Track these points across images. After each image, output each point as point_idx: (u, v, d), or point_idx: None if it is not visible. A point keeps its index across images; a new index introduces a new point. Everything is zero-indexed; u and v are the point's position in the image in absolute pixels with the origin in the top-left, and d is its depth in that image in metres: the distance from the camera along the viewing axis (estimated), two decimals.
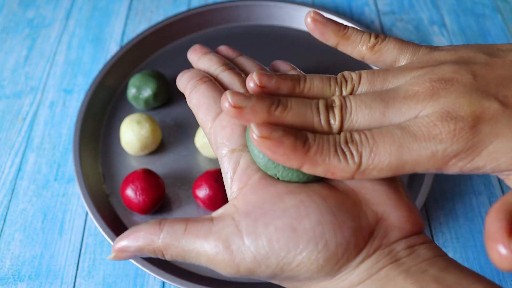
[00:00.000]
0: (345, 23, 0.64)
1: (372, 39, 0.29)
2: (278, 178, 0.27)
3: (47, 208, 0.52)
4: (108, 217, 0.50)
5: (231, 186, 0.27)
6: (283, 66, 0.35)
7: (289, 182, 0.27)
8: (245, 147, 0.28)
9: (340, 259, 0.24)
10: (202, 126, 0.30)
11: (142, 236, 0.27)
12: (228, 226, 0.26)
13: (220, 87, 0.31)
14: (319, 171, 0.24)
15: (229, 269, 0.25)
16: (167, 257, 0.27)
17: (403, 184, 0.28)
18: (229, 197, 0.28)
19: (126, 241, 0.27)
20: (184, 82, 0.32)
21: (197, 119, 0.31)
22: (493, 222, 0.22)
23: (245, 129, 0.28)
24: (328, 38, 0.30)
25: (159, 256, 0.27)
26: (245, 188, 0.27)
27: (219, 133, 0.28)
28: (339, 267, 0.25)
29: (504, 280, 0.48)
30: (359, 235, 0.25)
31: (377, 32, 0.69)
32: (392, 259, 0.24)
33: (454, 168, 0.24)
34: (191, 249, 0.26)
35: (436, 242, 0.50)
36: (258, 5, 0.67)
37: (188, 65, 0.63)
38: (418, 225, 0.26)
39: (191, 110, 0.58)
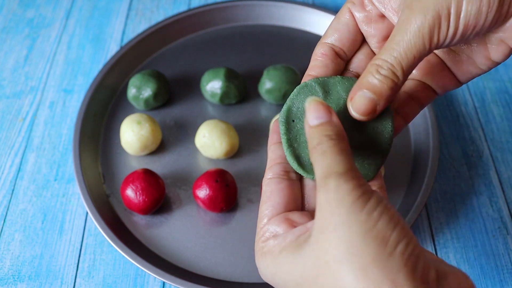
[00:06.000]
0: None
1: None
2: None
3: (47, 208, 0.52)
4: (108, 217, 0.50)
5: None
6: None
7: None
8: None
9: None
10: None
11: None
12: None
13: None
14: None
15: None
16: None
17: None
18: None
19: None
20: None
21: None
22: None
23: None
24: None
25: None
26: None
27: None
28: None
29: (504, 280, 0.48)
30: None
31: None
32: None
33: None
34: None
35: (436, 242, 0.50)
36: (258, 5, 0.67)
37: (187, 65, 0.63)
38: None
39: (191, 110, 0.59)
